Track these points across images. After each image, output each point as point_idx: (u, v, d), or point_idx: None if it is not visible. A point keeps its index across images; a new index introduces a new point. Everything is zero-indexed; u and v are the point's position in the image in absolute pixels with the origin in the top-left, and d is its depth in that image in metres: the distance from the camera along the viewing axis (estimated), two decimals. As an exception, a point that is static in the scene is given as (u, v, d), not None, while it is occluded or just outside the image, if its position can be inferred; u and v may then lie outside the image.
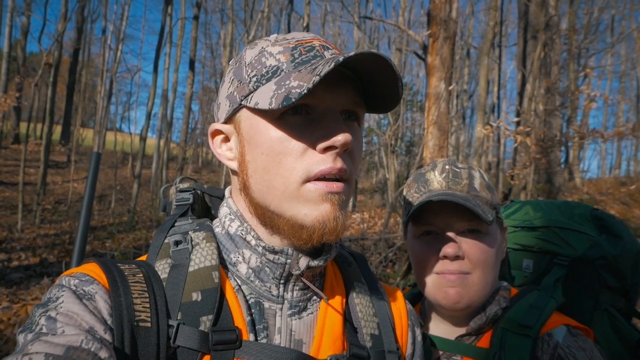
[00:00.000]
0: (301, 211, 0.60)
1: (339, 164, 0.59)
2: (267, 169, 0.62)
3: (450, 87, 4.84)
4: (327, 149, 0.59)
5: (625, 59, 24.46)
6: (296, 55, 0.61)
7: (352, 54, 0.56)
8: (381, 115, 18.75)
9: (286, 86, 0.57)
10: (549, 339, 0.85)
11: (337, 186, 0.60)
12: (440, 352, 0.95)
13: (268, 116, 0.61)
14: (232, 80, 0.66)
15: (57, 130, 22.69)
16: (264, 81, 0.61)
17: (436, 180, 0.97)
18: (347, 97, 0.62)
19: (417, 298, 1.10)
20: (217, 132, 0.70)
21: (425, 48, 5.08)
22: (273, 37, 0.67)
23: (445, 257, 0.90)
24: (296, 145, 0.60)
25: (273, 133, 0.61)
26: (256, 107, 0.60)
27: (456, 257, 0.90)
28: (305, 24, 16.96)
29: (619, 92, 25.48)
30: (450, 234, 0.91)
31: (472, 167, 0.99)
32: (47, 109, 13.26)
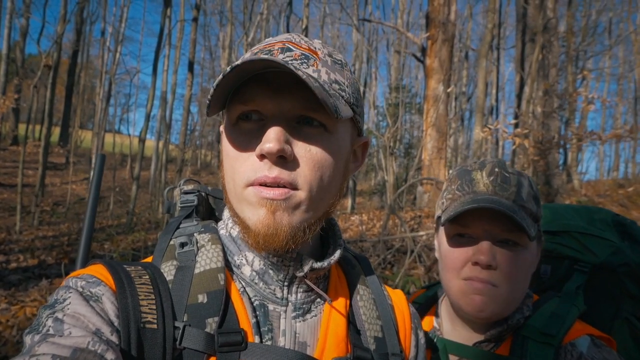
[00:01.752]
0: (246, 214, 0.61)
1: (274, 172, 0.58)
2: (227, 172, 0.64)
3: (449, 89, 4.86)
4: (262, 157, 0.59)
5: (623, 61, 24.57)
6: None
7: (239, 62, 0.56)
8: (380, 117, 18.77)
9: (217, 94, 0.59)
10: (572, 349, 0.83)
11: (273, 193, 0.58)
12: (457, 358, 0.92)
13: (228, 122, 0.64)
14: None
15: (56, 131, 22.65)
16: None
17: (483, 181, 0.91)
18: (294, 103, 0.60)
19: (431, 301, 1.06)
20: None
21: (423, 50, 5.09)
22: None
23: (476, 263, 0.86)
24: (243, 150, 0.61)
25: (229, 139, 0.63)
26: (209, 115, 0.63)
27: (488, 266, 0.86)
28: (304, 26, 16.97)
29: (616, 95, 25.58)
30: (487, 242, 0.87)
31: (522, 174, 0.93)
32: (45, 110, 13.23)
